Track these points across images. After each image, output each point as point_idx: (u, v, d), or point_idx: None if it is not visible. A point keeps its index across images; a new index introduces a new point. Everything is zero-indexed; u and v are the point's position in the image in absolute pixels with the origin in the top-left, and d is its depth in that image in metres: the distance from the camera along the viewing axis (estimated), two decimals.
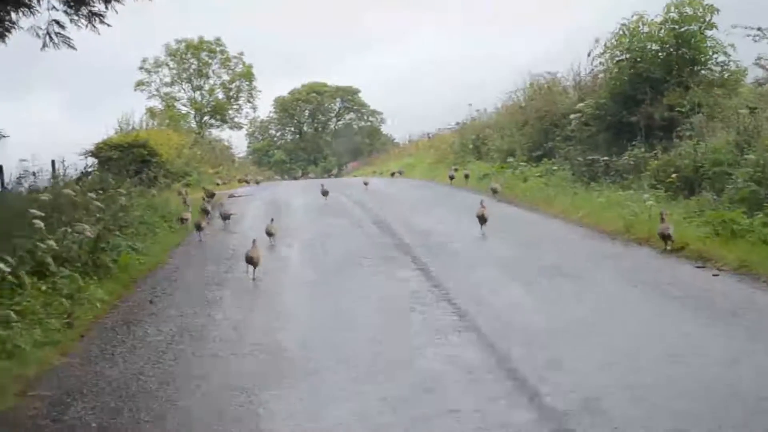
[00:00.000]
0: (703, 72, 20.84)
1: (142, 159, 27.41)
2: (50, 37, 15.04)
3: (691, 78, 20.27)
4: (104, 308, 10.89)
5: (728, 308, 9.42)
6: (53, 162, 21.01)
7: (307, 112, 77.71)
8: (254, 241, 13.19)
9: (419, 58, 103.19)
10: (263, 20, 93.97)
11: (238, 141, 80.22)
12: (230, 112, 60.50)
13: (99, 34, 15.22)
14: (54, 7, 14.75)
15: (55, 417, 7.03)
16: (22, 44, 15.56)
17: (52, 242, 11.55)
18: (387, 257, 14.10)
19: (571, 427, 6.09)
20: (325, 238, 16.96)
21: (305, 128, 78.08)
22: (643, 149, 18.91)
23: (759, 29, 17.33)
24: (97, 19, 15.05)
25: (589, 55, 23.03)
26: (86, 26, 15.09)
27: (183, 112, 57.02)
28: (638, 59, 20.91)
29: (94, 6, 14.93)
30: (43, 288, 10.61)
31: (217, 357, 8.63)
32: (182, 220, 18.53)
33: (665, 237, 12.68)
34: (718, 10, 20.18)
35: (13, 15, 14.82)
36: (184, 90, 58.98)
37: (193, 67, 59.27)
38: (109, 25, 15.23)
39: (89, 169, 24.09)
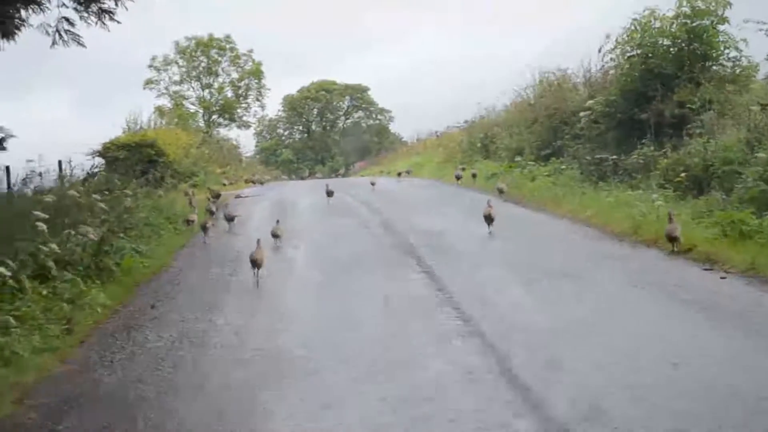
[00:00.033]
0: (714, 68, 20.61)
1: (149, 159, 27.32)
2: (60, 35, 15.02)
3: (703, 74, 20.05)
4: (105, 313, 10.81)
5: (735, 311, 9.27)
6: (60, 162, 20.95)
7: (315, 111, 77.64)
8: (258, 241, 13.09)
9: (419, 58, 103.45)
10: (263, 20, 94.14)
11: (245, 140, 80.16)
12: (239, 110, 60.48)
13: (109, 31, 15.20)
14: (64, 4, 14.74)
15: (51, 426, 6.95)
16: (31, 42, 15.54)
17: (54, 245, 11.47)
18: (392, 258, 14.02)
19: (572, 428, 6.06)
20: (331, 238, 16.90)
21: (313, 127, 78.05)
22: (652, 147, 18.72)
23: None
24: (106, 16, 15.02)
25: (599, 51, 22.79)
26: (96, 23, 15.08)
27: (191, 110, 57.00)
28: (650, 55, 20.68)
29: (103, 3, 14.92)
30: (44, 292, 10.55)
31: (217, 363, 8.54)
32: (188, 222, 18.46)
33: (673, 238, 12.52)
34: (730, 4, 19.94)
35: (23, 12, 14.80)
36: (193, 88, 59.05)
37: (203, 64, 59.25)
38: (118, 22, 15.20)
39: (95, 170, 23.98)
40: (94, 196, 15.80)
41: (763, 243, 11.67)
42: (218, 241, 17.25)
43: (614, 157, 19.95)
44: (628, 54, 21.52)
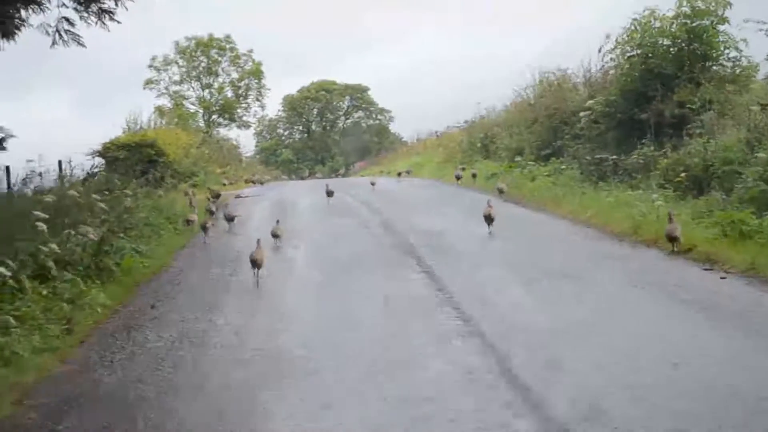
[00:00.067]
0: (714, 68, 20.58)
1: (149, 159, 27.29)
2: (60, 35, 15.02)
3: (703, 74, 20.03)
4: (105, 313, 10.80)
5: (735, 311, 9.26)
6: (60, 162, 20.94)
7: (315, 111, 77.64)
8: (258, 241, 13.09)
9: (419, 58, 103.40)
10: (263, 20, 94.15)
11: (245, 140, 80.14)
12: (239, 110, 60.47)
13: (109, 31, 15.19)
14: (64, 4, 14.73)
15: (51, 426, 6.94)
16: (31, 42, 15.53)
17: (54, 245, 11.46)
18: (393, 258, 14.02)
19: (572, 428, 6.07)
20: (331, 238, 16.90)
21: (313, 127, 78.05)
22: (652, 147, 18.70)
23: None
24: (106, 16, 15.02)
25: (599, 51, 22.77)
26: (96, 23, 15.06)
27: (191, 110, 56.99)
28: (650, 55, 20.66)
29: (103, 3, 14.91)
30: (44, 292, 10.55)
31: (217, 363, 8.53)
32: (188, 222, 18.45)
33: (673, 238, 12.51)
34: (730, 4, 19.90)
35: (23, 12, 14.78)
36: (193, 88, 59.03)
37: (203, 64, 59.23)
38: (118, 22, 15.19)
39: (95, 170, 23.97)
40: (93, 196, 15.78)
41: (763, 243, 11.66)
42: (218, 241, 17.24)
43: (614, 157, 19.93)
44: (628, 54, 21.50)
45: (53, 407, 7.37)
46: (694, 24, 20.32)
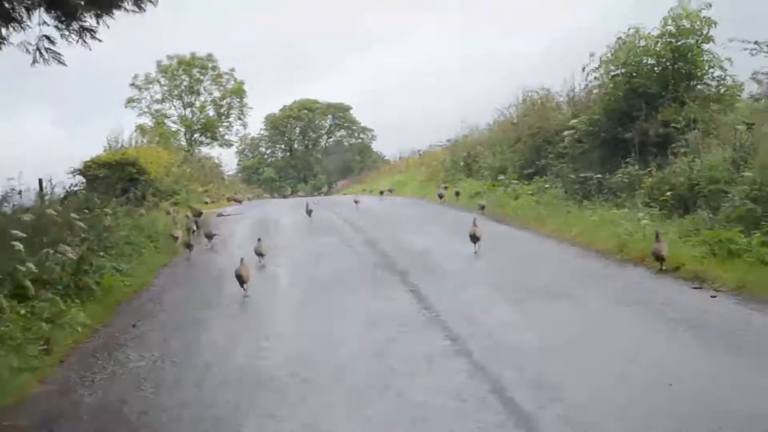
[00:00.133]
0: (699, 87, 20.53)
1: (130, 177, 27.07)
2: (40, 53, 14.78)
3: (687, 93, 20.00)
4: (85, 332, 10.62)
5: (725, 330, 9.18)
6: (40, 181, 20.72)
7: (297, 129, 77.56)
8: (242, 259, 13.01)
9: (419, 58, 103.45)
10: (263, 20, 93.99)
11: (227, 158, 79.78)
12: (220, 129, 60.22)
13: (90, 49, 14.99)
14: (45, 22, 14.53)
15: None
16: (12, 60, 15.32)
17: (31, 265, 11.24)
18: (378, 277, 13.86)
19: None
20: (315, 257, 16.71)
21: (296, 145, 77.92)
22: (637, 166, 18.66)
23: (756, 43, 17.01)
24: (88, 34, 14.80)
25: (583, 69, 22.75)
26: (77, 41, 14.86)
27: (173, 129, 56.73)
28: (634, 74, 20.65)
29: (84, 21, 14.70)
30: (22, 312, 10.33)
31: (200, 383, 8.33)
32: (174, 238, 18.33)
33: (660, 257, 12.43)
34: (715, 23, 19.88)
35: (3, 30, 14.59)
36: (175, 107, 58.71)
37: (185, 83, 59.00)
38: (100, 41, 15.00)
39: (75, 188, 23.70)
40: (72, 214, 15.53)
41: (751, 261, 11.61)
42: (200, 260, 17.06)
43: (599, 175, 19.86)
44: (612, 73, 21.49)
45: (32, 429, 7.18)
46: (678, 43, 20.26)
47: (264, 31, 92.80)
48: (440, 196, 28.17)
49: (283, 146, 78.16)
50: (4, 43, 14.71)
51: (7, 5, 14.05)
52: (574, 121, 22.58)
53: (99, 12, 14.46)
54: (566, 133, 22.67)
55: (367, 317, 10.77)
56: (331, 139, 78.63)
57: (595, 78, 22.60)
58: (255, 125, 78.22)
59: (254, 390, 7.99)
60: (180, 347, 9.79)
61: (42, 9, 14.36)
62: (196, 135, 58.44)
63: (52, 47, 14.75)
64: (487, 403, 7.07)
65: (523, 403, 6.93)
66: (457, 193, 27.36)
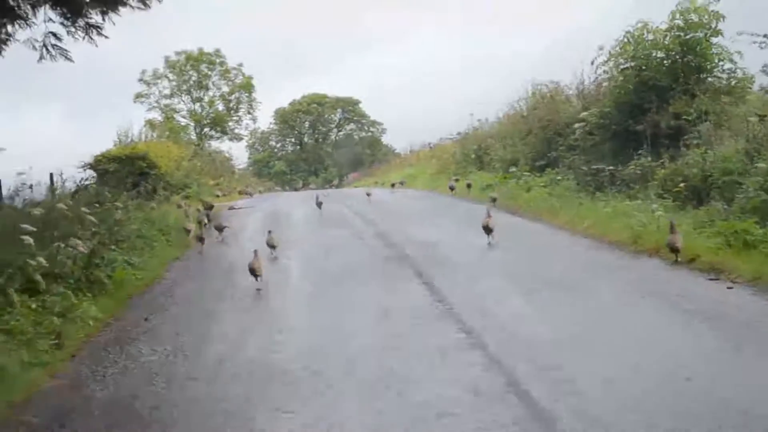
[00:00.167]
0: (709, 79, 20.45)
1: (140, 171, 27.03)
2: (47, 50, 14.80)
3: (698, 86, 19.92)
4: (97, 326, 10.57)
5: (742, 321, 9.05)
6: (51, 175, 20.74)
7: (307, 123, 77.61)
8: (255, 251, 12.95)
9: (419, 58, 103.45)
10: (263, 21, 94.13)
11: (238, 152, 79.85)
12: (230, 123, 60.15)
13: (96, 46, 14.99)
14: (51, 19, 14.54)
15: None
16: (21, 56, 15.33)
17: (41, 259, 11.19)
18: (390, 269, 13.79)
19: None
20: (326, 250, 16.66)
21: (306, 139, 77.96)
22: (649, 158, 18.57)
23: (765, 36, 16.96)
24: (94, 31, 14.82)
25: (592, 63, 22.66)
26: (83, 38, 14.86)
27: (182, 123, 56.74)
28: (643, 67, 20.57)
29: (90, 18, 14.71)
30: (33, 306, 10.29)
31: (212, 377, 8.28)
32: (187, 231, 18.33)
33: (675, 249, 12.33)
34: (723, 17, 19.83)
35: (9, 27, 14.60)
36: (184, 102, 58.65)
37: (193, 79, 58.92)
38: (106, 37, 14.99)
39: (86, 183, 23.69)
40: (83, 208, 15.51)
41: (767, 252, 11.49)
42: (211, 253, 17.05)
43: (611, 167, 19.76)
44: (622, 66, 21.40)
45: (44, 424, 7.15)
46: (687, 36, 20.20)
47: (264, 30, 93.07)
48: (451, 189, 28.11)
49: (293, 140, 78.23)
50: (10, 40, 14.74)
51: (11, 2, 14.04)
52: (585, 113, 22.48)
53: (104, 9, 14.48)
54: (577, 125, 22.57)
55: (380, 310, 10.70)
56: (341, 133, 78.67)
57: (604, 71, 22.53)
58: (264, 119, 78.27)
59: (266, 383, 7.94)
60: (192, 341, 9.74)
61: (47, 6, 14.36)
62: (206, 129, 58.40)
63: (59, 43, 14.79)
64: (503, 396, 6.99)
65: (539, 396, 6.85)
66: (469, 185, 27.30)
